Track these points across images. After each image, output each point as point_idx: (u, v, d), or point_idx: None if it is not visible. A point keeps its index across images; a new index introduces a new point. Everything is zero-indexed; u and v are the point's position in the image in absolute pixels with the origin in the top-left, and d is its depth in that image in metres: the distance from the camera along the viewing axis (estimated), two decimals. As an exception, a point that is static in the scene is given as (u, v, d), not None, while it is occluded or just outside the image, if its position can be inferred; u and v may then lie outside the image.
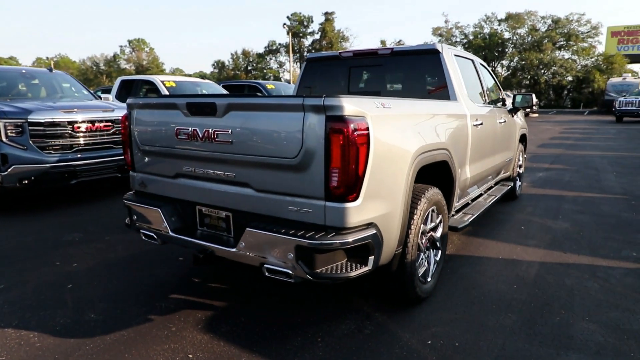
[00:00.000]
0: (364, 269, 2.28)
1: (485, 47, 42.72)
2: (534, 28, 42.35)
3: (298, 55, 60.89)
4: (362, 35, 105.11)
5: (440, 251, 3.19)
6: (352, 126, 2.09)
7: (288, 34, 56.09)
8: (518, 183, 6.05)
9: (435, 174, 3.07)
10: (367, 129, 2.17)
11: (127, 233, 4.55)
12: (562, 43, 41.44)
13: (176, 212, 2.82)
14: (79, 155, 5.55)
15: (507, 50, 43.68)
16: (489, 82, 4.78)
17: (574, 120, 24.38)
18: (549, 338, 2.60)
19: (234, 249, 2.45)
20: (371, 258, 2.33)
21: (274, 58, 63.94)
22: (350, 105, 2.12)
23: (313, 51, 60.25)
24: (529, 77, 41.90)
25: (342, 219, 2.18)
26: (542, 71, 40.67)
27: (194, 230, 2.79)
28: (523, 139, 6.01)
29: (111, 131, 5.88)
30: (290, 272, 2.26)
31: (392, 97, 3.40)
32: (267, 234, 2.28)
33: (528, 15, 41.96)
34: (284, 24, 59.49)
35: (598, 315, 2.85)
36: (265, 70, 62.93)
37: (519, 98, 5.18)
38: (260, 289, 3.28)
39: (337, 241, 2.15)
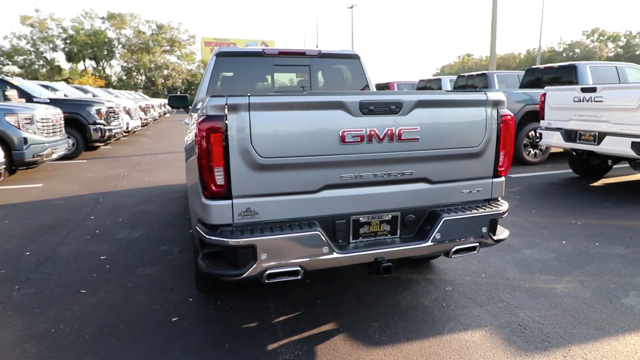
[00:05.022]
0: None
1: (93, 44, 40.41)
2: (139, 30, 43.68)
3: None
4: None
5: None
6: (511, 116, 2.68)
7: None
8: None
9: None
10: None
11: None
12: (167, 48, 44.98)
13: (324, 231, 2.33)
14: None
15: (115, 50, 43.05)
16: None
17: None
18: (506, 250, 4.04)
19: (426, 244, 2.45)
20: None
21: None
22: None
23: None
24: (144, 78, 43.24)
25: (502, 190, 2.74)
26: (157, 73, 42.94)
27: (347, 245, 2.42)
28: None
29: None
30: (476, 244, 2.60)
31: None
32: (468, 216, 2.50)
33: (132, 17, 42.71)
34: None
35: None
36: None
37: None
38: (312, 294, 3.05)
39: (506, 208, 2.72)
